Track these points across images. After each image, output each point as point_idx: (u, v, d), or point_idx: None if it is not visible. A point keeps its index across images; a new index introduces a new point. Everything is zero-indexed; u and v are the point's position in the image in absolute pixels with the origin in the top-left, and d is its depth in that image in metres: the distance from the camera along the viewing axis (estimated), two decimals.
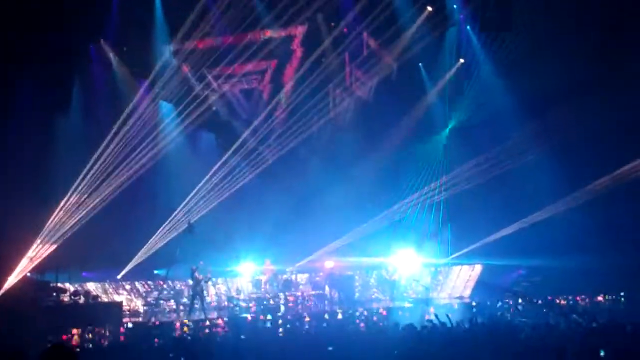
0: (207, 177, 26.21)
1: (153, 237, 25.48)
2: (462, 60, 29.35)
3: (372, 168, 28.07)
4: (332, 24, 28.43)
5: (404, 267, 26.60)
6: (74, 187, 24.36)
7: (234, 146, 27.06)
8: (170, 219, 25.49)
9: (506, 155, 26.95)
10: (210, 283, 24.45)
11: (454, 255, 27.97)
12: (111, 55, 26.63)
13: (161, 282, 24.82)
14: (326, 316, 22.53)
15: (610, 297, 24.20)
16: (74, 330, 18.50)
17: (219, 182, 26.57)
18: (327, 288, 25.91)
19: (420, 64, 29.70)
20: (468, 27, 29.20)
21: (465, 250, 27.56)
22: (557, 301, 23.38)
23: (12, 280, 22.87)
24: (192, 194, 25.78)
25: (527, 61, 27.00)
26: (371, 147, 28.67)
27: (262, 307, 23.74)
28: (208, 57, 27.34)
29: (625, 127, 25.62)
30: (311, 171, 28.59)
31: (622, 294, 25.13)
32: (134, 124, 25.84)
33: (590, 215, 25.49)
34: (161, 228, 25.39)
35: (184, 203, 25.55)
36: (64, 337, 18.57)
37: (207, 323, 21.05)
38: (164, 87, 26.77)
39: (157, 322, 21.75)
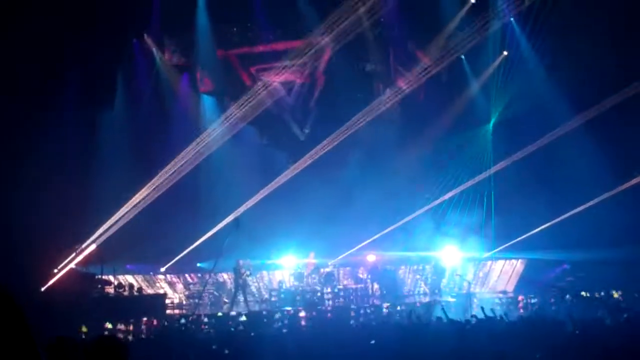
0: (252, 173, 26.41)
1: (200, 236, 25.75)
2: (505, 53, 28.95)
3: (414, 161, 27.87)
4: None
5: (448, 261, 26.46)
6: (120, 183, 24.70)
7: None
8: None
9: (550, 148, 26.50)
10: (251, 277, 24.64)
11: (497, 250, 27.64)
12: (154, 49, 26.80)
13: (205, 275, 25.00)
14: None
15: None
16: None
17: (263, 176, 26.76)
18: (369, 282, 25.85)
19: (462, 56, 29.39)
20: (512, 19, 28.76)
21: (508, 244, 27.23)
22: (602, 296, 22.96)
23: (60, 273, 23.24)
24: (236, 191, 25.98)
25: (572, 54, 26.49)
26: (413, 140, 28.46)
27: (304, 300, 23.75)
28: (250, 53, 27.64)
29: None
30: (353, 164, 28.51)
31: None
32: (177, 119, 26.13)
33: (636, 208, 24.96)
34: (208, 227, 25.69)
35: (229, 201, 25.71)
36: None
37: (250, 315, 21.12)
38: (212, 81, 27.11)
39: (201, 315, 21.92)
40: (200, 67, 27.43)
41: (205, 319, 20.83)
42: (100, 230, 24.34)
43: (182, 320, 19.22)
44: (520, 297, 23.86)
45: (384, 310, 22.36)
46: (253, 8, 26.64)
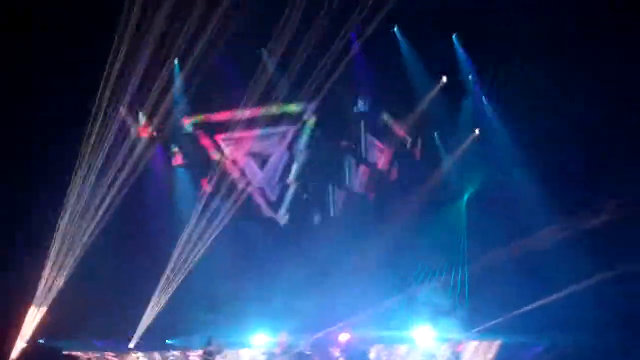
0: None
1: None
2: (477, 131, 29.28)
3: (388, 239, 27.71)
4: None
5: (422, 341, 26.24)
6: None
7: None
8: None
9: (526, 229, 26.69)
10: (221, 355, 24.20)
11: (471, 332, 27.43)
12: (129, 120, 26.44)
13: (175, 353, 24.57)
14: None
15: None
16: None
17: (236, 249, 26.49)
18: None
19: (435, 133, 29.68)
20: (483, 97, 29.21)
21: (482, 326, 27.07)
22: None
23: (19, 346, 22.61)
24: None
25: (544, 133, 26.87)
26: (386, 216, 28.45)
27: None
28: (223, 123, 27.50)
29: None
30: (325, 239, 28.30)
31: None
32: (150, 192, 25.90)
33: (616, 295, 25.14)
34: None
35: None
36: None
37: None
38: (182, 154, 26.97)
39: None
40: (173, 141, 27.32)
41: None
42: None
43: None
44: None
45: None
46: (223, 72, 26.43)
